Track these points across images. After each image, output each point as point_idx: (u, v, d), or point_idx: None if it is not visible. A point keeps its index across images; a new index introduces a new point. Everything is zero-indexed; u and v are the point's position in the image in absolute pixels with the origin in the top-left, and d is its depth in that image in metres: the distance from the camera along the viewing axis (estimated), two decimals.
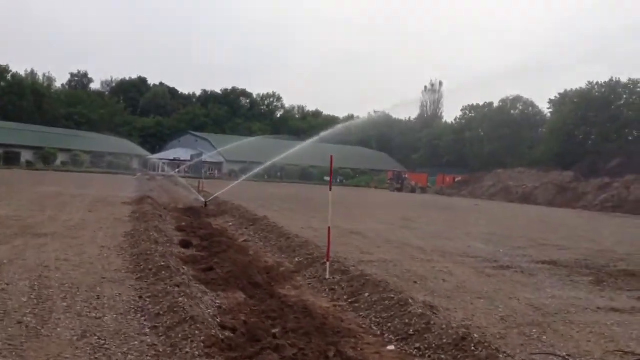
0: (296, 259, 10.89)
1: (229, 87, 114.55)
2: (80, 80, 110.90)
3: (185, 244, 11.89)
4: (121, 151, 74.15)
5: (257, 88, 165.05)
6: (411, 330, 6.30)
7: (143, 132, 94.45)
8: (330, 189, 10.23)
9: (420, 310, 6.69)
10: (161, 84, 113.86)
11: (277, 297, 7.78)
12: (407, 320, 6.56)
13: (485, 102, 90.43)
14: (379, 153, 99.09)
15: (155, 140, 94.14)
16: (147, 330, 5.82)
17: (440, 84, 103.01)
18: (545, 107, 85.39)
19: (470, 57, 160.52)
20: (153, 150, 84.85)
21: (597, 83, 72.12)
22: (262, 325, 6.05)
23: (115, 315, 6.26)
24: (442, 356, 5.59)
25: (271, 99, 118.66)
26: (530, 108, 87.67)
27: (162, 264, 8.51)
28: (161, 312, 6.28)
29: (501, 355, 5.36)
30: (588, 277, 10.46)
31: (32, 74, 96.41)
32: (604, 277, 10.54)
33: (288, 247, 12.16)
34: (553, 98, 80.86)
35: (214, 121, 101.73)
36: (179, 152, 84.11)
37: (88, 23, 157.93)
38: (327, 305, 7.67)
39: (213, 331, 5.53)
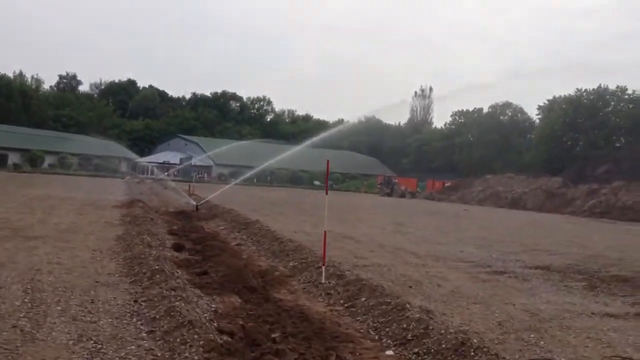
0: (290, 263, 10.85)
1: (219, 91, 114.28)
2: (68, 82, 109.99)
3: (177, 248, 11.81)
4: (109, 154, 73.63)
5: (247, 92, 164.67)
6: (409, 335, 6.28)
7: (132, 135, 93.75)
8: (327, 193, 10.20)
9: (418, 315, 6.67)
10: (150, 86, 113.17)
11: (272, 302, 7.73)
12: (404, 325, 6.54)
13: (475, 108, 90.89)
14: (369, 158, 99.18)
15: (144, 143, 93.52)
16: (144, 334, 5.76)
17: (430, 89, 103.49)
18: (534, 114, 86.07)
19: (460, 64, 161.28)
20: (142, 154, 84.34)
21: (585, 90, 72.62)
22: (261, 329, 6.00)
23: (110, 319, 6.19)
24: None
25: (261, 103, 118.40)
26: (519, 114, 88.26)
27: (157, 267, 8.44)
28: (157, 316, 6.22)
29: None
30: (581, 283, 10.50)
31: (21, 75, 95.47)
32: (596, 282, 10.59)
33: (281, 251, 12.12)
34: (542, 104, 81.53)
35: (203, 124, 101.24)
36: (168, 155, 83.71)
37: (77, 25, 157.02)
38: (324, 310, 7.63)
39: (211, 336, 5.48)
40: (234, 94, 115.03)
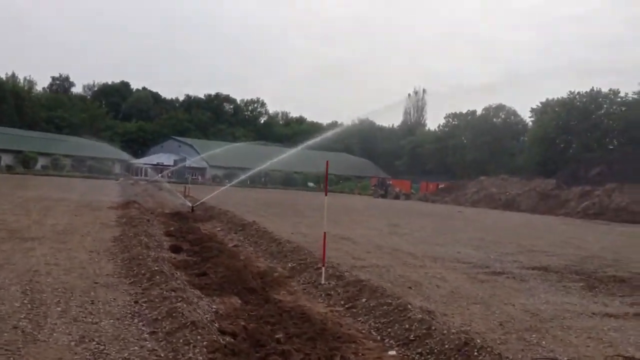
0: (289, 264, 10.83)
1: (213, 93, 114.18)
2: (61, 84, 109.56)
3: (175, 249, 11.77)
4: (103, 155, 73.40)
5: (241, 94, 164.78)
6: (412, 336, 6.27)
7: (125, 136, 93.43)
8: (326, 194, 10.18)
9: (420, 316, 6.66)
10: (144, 88, 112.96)
11: (273, 303, 7.71)
12: (407, 326, 6.53)
13: (469, 110, 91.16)
14: (362, 160, 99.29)
15: (137, 145, 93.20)
16: (146, 335, 5.72)
17: (424, 91, 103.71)
18: (527, 116, 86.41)
19: (454, 66, 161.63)
20: (135, 155, 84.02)
21: (578, 93, 73.03)
22: (264, 330, 5.98)
23: (111, 320, 6.15)
24: None
25: (255, 105, 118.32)
26: (513, 117, 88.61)
27: (156, 268, 8.40)
28: (159, 317, 6.18)
29: None
30: (579, 283, 10.52)
31: (13, 77, 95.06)
32: (594, 282, 10.62)
33: (279, 252, 12.09)
34: (535, 107, 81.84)
35: (197, 126, 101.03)
36: (161, 157, 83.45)
37: (70, 26, 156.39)
38: (324, 311, 7.61)
39: (214, 336, 5.45)
40: (228, 96, 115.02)
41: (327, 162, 9.64)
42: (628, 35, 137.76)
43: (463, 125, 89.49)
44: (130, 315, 6.42)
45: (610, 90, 70.93)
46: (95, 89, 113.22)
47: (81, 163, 72.29)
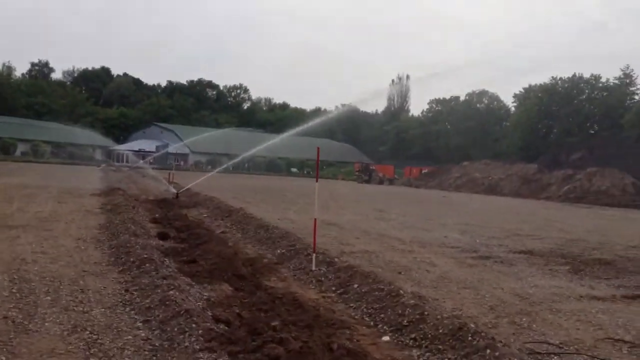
0: (278, 251, 10.80)
1: (195, 79, 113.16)
2: (40, 70, 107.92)
3: (162, 236, 11.65)
4: (83, 142, 72.56)
5: (223, 80, 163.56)
6: (405, 321, 6.28)
7: (106, 123, 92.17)
8: (317, 181, 10.14)
9: (413, 301, 6.68)
10: (125, 74, 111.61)
11: (264, 290, 7.67)
12: (399, 311, 6.54)
13: (452, 96, 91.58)
14: (346, 145, 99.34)
15: (119, 132, 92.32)
16: (140, 324, 5.67)
17: (407, 77, 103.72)
18: (509, 101, 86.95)
19: (436, 53, 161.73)
20: (117, 142, 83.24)
21: (560, 78, 73.62)
22: (258, 317, 5.96)
23: (103, 309, 6.08)
24: (440, 346, 5.57)
25: (238, 91, 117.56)
26: (495, 102, 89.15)
27: (145, 256, 8.33)
28: (152, 306, 6.12)
29: (498, 345, 5.37)
30: (565, 267, 10.62)
31: None
32: (580, 266, 10.72)
33: (268, 238, 12.06)
34: (517, 93, 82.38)
35: (179, 112, 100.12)
36: (143, 143, 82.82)
37: (49, 10, 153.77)
38: (316, 297, 7.60)
39: (209, 324, 5.42)
40: (211, 82, 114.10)
41: (318, 148, 9.60)
42: (611, 21, 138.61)
43: (446, 111, 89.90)
44: (121, 303, 6.36)
45: (591, 75, 71.70)
46: (75, 74, 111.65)
47: (61, 149, 71.49)
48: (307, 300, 7.25)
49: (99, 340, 5.11)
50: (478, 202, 35.81)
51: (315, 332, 5.50)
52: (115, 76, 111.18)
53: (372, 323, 6.52)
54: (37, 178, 28.83)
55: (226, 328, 5.52)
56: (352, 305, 7.22)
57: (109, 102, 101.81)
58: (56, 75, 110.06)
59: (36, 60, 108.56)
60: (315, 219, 9.67)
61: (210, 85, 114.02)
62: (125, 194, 19.67)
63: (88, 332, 5.30)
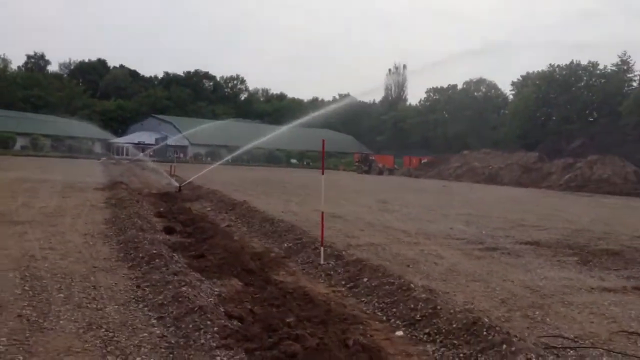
0: (285, 244, 10.78)
1: (192, 70, 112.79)
2: (37, 62, 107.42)
3: (168, 230, 11.63)
4: (82, 135, 72.41)
5: (220, 71, 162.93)
6: (418, 316, 6.26)
7: (104, 115, 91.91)
8: (323, 173, 10.10)
9: (425, 295, 6.67)
10: (122, 66, 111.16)
11: (274, 284, 7.67)
12: (412, 305, 6.52)
13: (449, 85, 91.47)
14: (345, 135, 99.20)
15: (116, 124, 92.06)
16: (154, 320, 5.65)
17: (404, 67, 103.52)
18: (507, 89, 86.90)
19: (433, 42, 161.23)
20: (115, 134, 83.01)
21: (558, 65, 73.57)
22: (272, 313, 5.95)
23: (116, 306, 6.07)
24: (454, 341, 5.56)
25: (235, 82, 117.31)
26: (493, 90, 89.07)
27: (154, 251, 8.31)
28: (165, 302, 6.10)
29: (514, 340, 5.36)
30: (573, 257, 10.61)
31: None
32: (588, 256, 10.71)
33: (274, 232, 12.04)
34: (515, 80, 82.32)
35: (176, 104, 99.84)
36: (142, 135, 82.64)
37: (45, 2, 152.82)
38: (326, 291, 7.59)
39: (223, 321, 5.41)
40: (207, 73, 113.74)
41: (324, 141, 9.55)
42: (606, 8, 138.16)
43: (444, 100, 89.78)
44: (134, 300, 6.34)
45: (589, 62, 71.70)
46: (72, 67, 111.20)
47: (61, 143, 71.30)
48: (317, 294, 7.24)
49: (115, 338, 5.10)
50: (479, 191, 35.80)
51: (330, 328, 5.49)
52: (111, 68, 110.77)
53: (384, 318, 6.51)
54: (38, 172, 28.78)
55: (240, 324, 5.50)
56: (363, 299, 7.21)
57: (106, 95, 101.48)
58: (52, 67, 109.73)
59: (32, 53, 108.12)
60: (322, 213, 9.64)
61: (207, 76, 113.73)
62: (128, 188, 19.65)
63: (103, 330, 5.29)
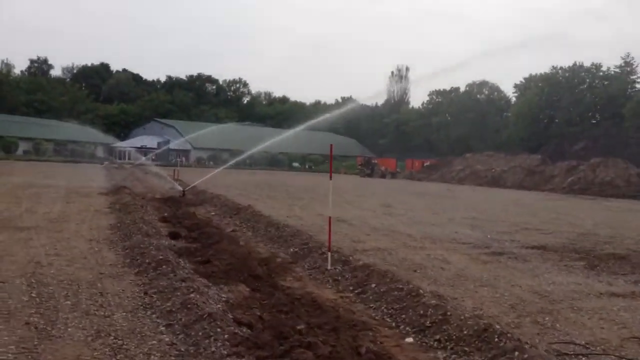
0: (291, 249, 10.75)
1: (194, 73, 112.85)
2: (40, 67, 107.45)
3: (174, 236, 11.61)
4: (85, 139, 72.38)
5: (223, 74, 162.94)
6: (427, 322, 6.22)
7: (107, 119, 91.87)
8: (331, 178, 10.05)
9: (434, 301, 6.63)
10: (124, 70, 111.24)
11: (281, 290, 7.63)
12: (421, 312, 6.49)
13: (452, 87, 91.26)
14: (347, 139, 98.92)
15: (119, 128, 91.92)
16: (162, 328, 5.61)
17: (407, 69, 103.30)
18: (510, 92, 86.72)
19: (436, 44, 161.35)
20: (118, 138, 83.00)
21: (560, 67, 73.44)
22: (281, 320, 5.91)
23: (124, 313, 6.04)
24: (465, 348, 5.52)
25: (237, 85, 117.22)
26: (496, 93, 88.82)
27: (161, 257, 8.28)
28: (173, 309, 6.07)
29: (526, 346, 5.31)
30: (580, 262, 10.57)
31: None
32: (594, 261, 10.67)
33: (279, 237, 12.01)
34: (518, 83, 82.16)
35: (179, 108, 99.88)
36: (145, 139, 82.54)
37: (47, 6, 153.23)
38: (334, 297, 7.56)
39: (233, 328, 5.37)
40: (210, 76, 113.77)
41: (332, 145, 9.53)
42: (610, 9, 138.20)
43: (447, 102, 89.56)
44: (142, 307, 6.31)
45: (592, 64, 71.55)
46: (75, 71, 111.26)
47: (63, 147, 71.34)
48: (325, 300, 7.21)
49: (124, 346, 5.06)
50: (482, 194, 35.75)
51: (341, 335, 5.45)
52: (114, 72, 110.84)
53: (393, 324, 6.48)
54: (41, 177, 28.80)
55: (250, 332, 5.47)
56: (371, 305, 7.18)
57: (109, 99, 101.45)
58: (55, 72, 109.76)
59: (35, 57, 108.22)
60: (329, 218, 9.60)
61: (210, 79, 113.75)
62: (132, 193, 19.63)
63: (112, 337, 5.25)
